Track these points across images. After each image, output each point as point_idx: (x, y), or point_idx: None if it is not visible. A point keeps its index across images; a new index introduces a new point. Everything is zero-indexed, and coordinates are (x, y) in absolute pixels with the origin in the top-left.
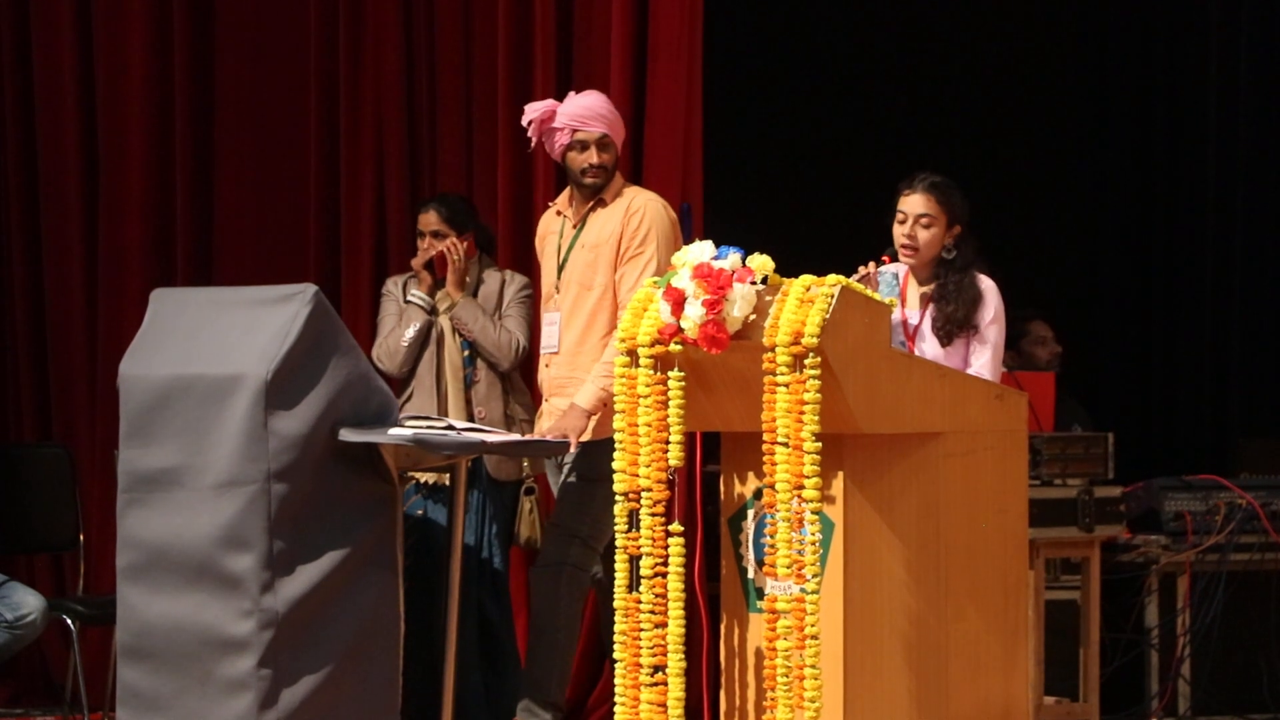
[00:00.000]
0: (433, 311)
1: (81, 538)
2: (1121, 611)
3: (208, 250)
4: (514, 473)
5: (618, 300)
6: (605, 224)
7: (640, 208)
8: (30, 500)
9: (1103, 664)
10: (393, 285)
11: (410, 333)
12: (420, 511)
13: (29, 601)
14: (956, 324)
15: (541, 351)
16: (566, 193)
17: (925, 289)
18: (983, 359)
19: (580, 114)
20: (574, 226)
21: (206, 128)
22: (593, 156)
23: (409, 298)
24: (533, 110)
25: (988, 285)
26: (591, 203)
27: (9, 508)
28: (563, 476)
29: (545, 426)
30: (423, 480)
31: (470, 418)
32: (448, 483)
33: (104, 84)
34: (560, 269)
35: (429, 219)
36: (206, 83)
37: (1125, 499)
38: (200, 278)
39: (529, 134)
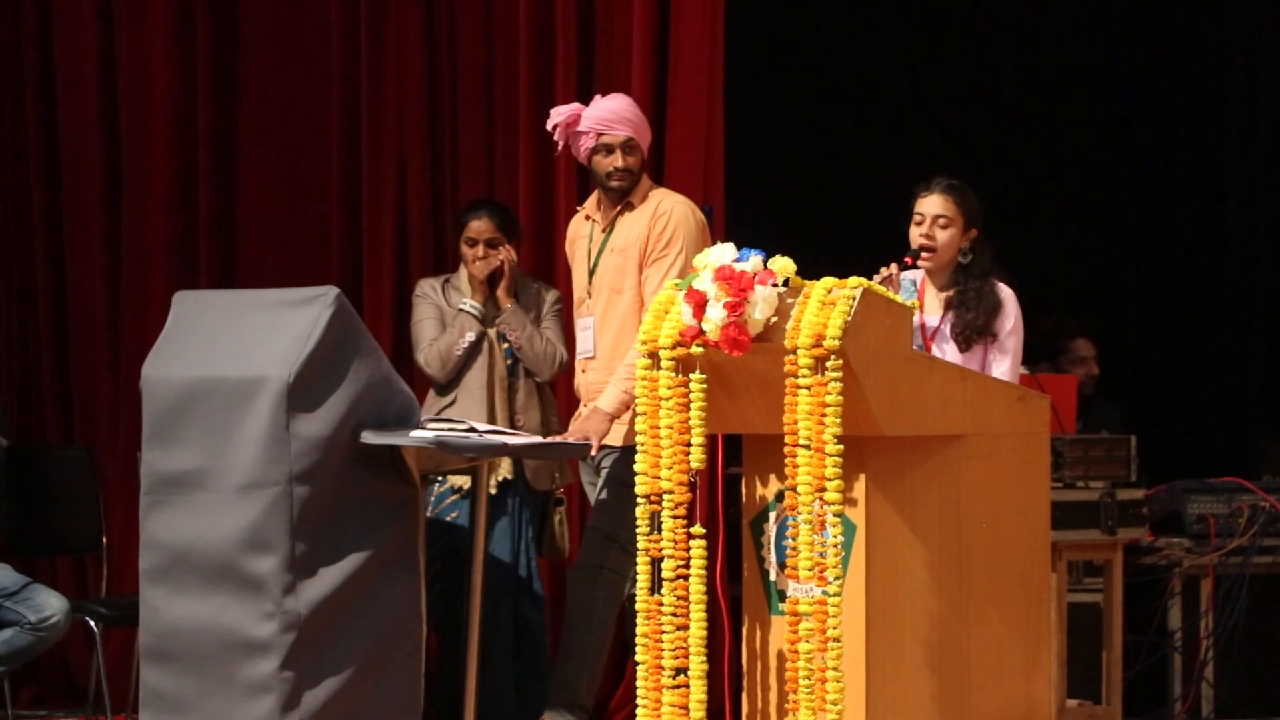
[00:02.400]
0: (484, 320)
1: (104, 539)
2: (1144, 614)
3: (230, 253)
4: (548, 481)
5: (644, 302)
6: (633, 227)
7: (667, 210)
8: (53, 502)
9: (1126, 667)
10: (430, 289)
11: (466, 341)
12: (455, 514)
13: (52, 603)
14: (976, 331)
15: (577, 357)
16: (595, 196)
17: (944, 294)
18: (1002, 368)
19: (605, 117)
20: (603, 230)
21: (229, 131)
22: (618, 160)
23: (463, 306)
24: (557, 114)
25: (1007, 294)
26: (620, 206)
27: (32, 509)
28: (600, 481)
29: (575, 429)
30: (458, 485)
31: (512, 425)
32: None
33: (127, 88)
34: (591, 273)
35: (483, 226)
36: (229, 86)
37: (1148, 501)
38: (223, 280)
39: (554, 138)
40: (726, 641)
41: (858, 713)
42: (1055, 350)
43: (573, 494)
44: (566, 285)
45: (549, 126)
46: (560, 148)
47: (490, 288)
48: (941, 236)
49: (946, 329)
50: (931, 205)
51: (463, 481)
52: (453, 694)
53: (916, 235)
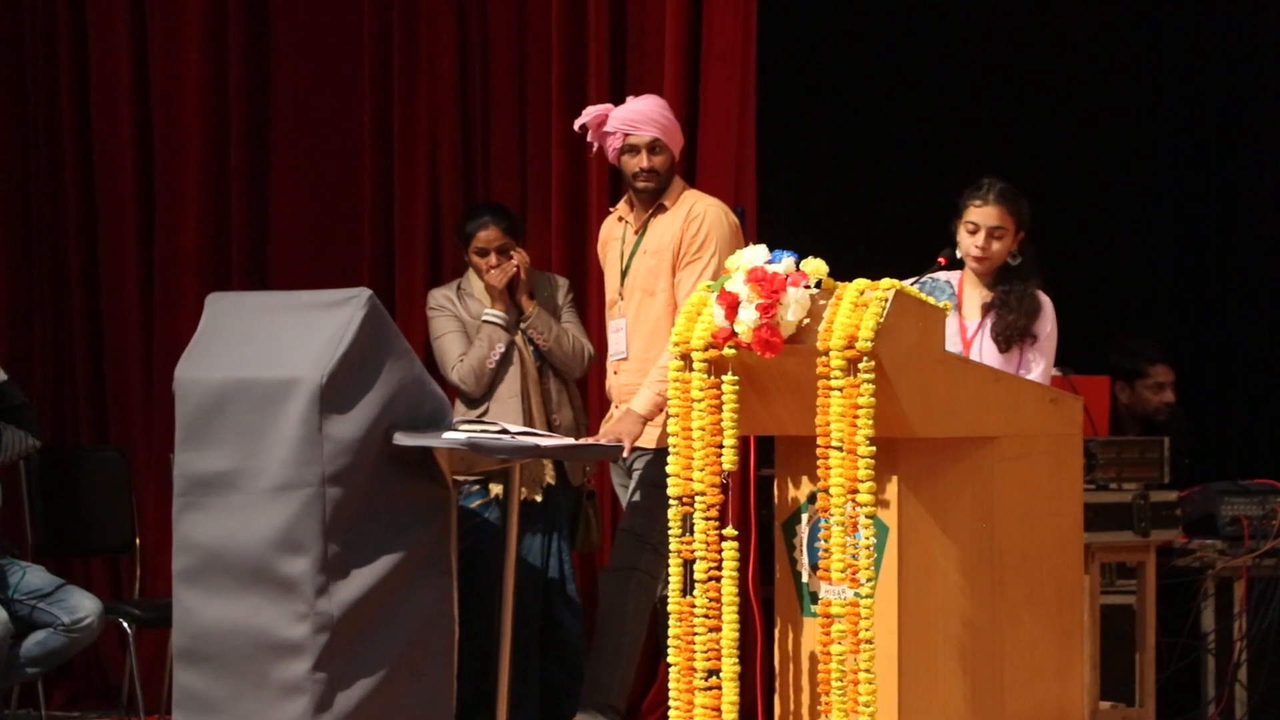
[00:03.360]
0: (508, 327)
1: (137, 541)
2: (1178, 616)
3: (262, 254)
4: (581, 476)
5: (677, 305)
6: (666, 230)
7: (700, 213)
8: (87, 503)
9: (1159, 669)
10: (446, 301)
11: (498, 354)
12: (485, 512)
13: (85, 605)
14: (1017, 332)
15: (610, 358)
16: (627, 198)
17: (984, 295)
18: (1038, 370)
19: (631, 118)
20: (635, 232)
21: (261, 133)
22: (643, 160)
23: (488, 318)
24: (586, 114)
25: (1045, 300)
26: (652, 208)
27: (66, 511)
28: (633, 483)
29: (606, 431)
30: (494, 494)
31: (549, 426)
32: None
33: (159, 90)
34: (623, 275)
35: (491, 235)
36: (261, 88)
37: (1181, 503)
38: (255, 282)
39: (588, 138)
40: (759, 643)
41: (890, 714)
42: (1133, 372)
43: (603, 491)
44: (598, 287)
45: (576, 127)
46: (595, 149)
47: (509, 294)
48: (996, 248)
49: (986, 329)
50: (987, 216)
51: (497, 490)
52: (480, 690)
53: (970, 245)
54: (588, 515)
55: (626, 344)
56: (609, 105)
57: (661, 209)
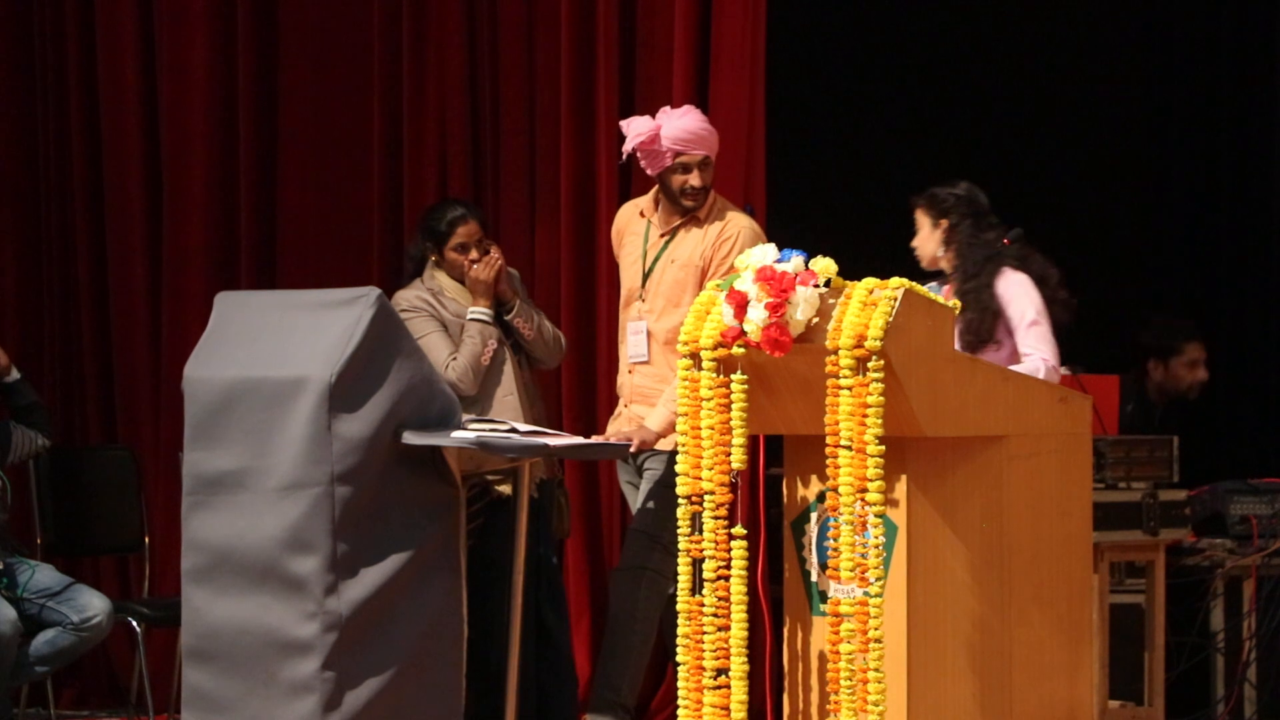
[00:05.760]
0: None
1: (146, 540)
2: (1186, 615)
3: (271, 253)
4: (552, 468)
5: None
6: (697, 244)
7: (734, 234)
8: (96, 503)
9: (1168, 668)
10: (421, 302)
11: (490, 350)
12: None
13: (94, 604)
14: (977, 335)
15: (628, 359)
16: (652, 198)
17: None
18: (1030, 338)
19: (684, 138)
20: (662, 236)
21: (270, 131)
22: (694, 179)
23: (477, 316)
24: (636, 135)
25: (1013, 280)
26: (685, 218)
27: (75, 510)
28: (644, 483)
29: (615, 430)
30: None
31: (534, 422)
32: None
33: (167, 89)
34: (645, 276)
35: (472, 230)
36: (270, 87)
37: (1190, 502)
38: (263, 281)
39: (624, 148)
40: (768, 642)
41: (899, 713)
42: (1168, 350)
43: (576, 480)
44: (607, 289)
45: (627, 135)
46: (624, 157)
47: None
48: (917, 246)
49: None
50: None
51: (503, 490)
52: (470, 695)
53: None
54: (560, 503)
55: (648, 348)
56: (651, 120)
57: (695, 220)
